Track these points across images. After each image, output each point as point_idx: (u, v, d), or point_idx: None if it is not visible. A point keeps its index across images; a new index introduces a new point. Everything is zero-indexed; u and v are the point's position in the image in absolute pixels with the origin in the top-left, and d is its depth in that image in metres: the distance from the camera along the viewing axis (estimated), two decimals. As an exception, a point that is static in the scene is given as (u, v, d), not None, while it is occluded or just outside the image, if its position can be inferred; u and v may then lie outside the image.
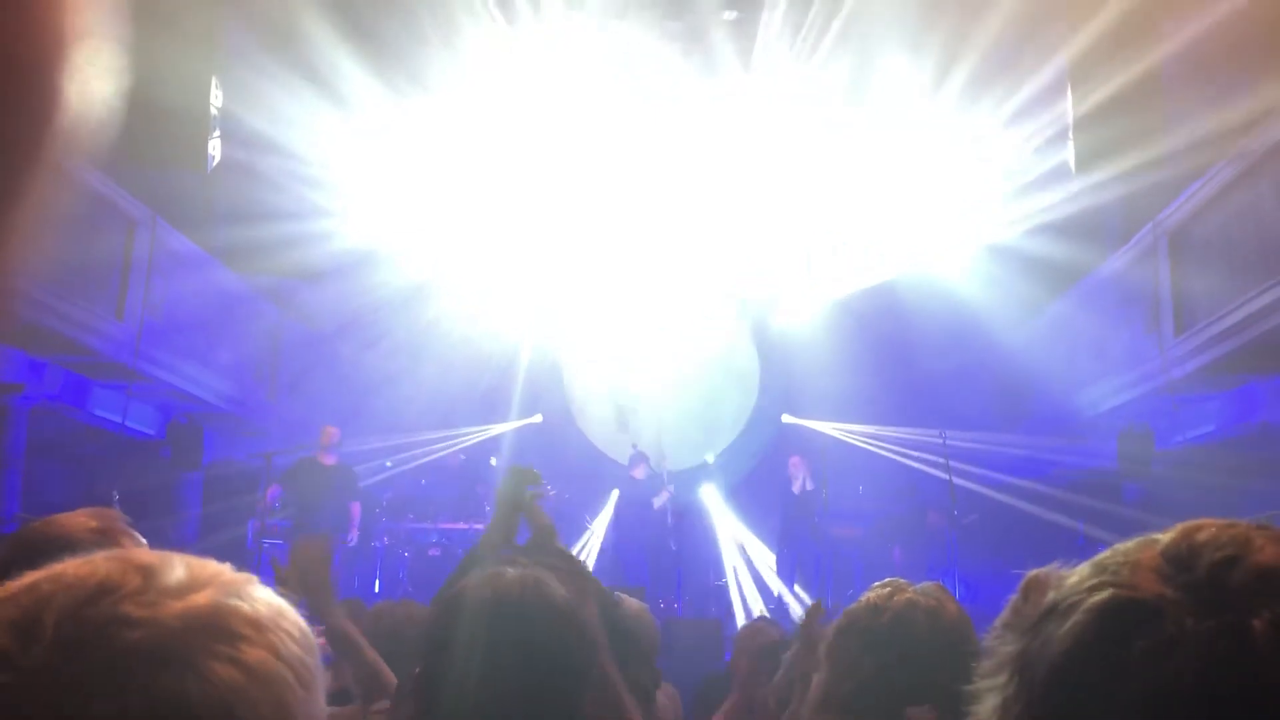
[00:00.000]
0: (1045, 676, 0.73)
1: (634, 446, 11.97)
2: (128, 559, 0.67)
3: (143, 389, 9.29)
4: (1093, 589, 0.73)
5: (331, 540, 9.59)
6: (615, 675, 2.27)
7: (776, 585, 11.52)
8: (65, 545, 1.67)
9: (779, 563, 11.56)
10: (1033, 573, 0.83)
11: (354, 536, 10.25)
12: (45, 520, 1.83)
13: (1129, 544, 0.77)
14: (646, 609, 3.80)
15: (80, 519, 1.82)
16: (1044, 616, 0.76)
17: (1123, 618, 0.71)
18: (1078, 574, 0.76)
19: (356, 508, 10.28)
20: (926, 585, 2.07)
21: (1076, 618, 0.73)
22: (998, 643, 0.80)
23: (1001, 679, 0.77)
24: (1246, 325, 7.53)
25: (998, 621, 0.83)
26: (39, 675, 0.59)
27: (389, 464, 12.07)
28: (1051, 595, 0.77)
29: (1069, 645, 0.72)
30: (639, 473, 11.63)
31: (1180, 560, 0.72)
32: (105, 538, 1.75)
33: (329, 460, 10.16)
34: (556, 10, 9.76)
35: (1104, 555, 0.76)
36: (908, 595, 2.00)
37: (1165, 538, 0.75)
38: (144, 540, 1.82)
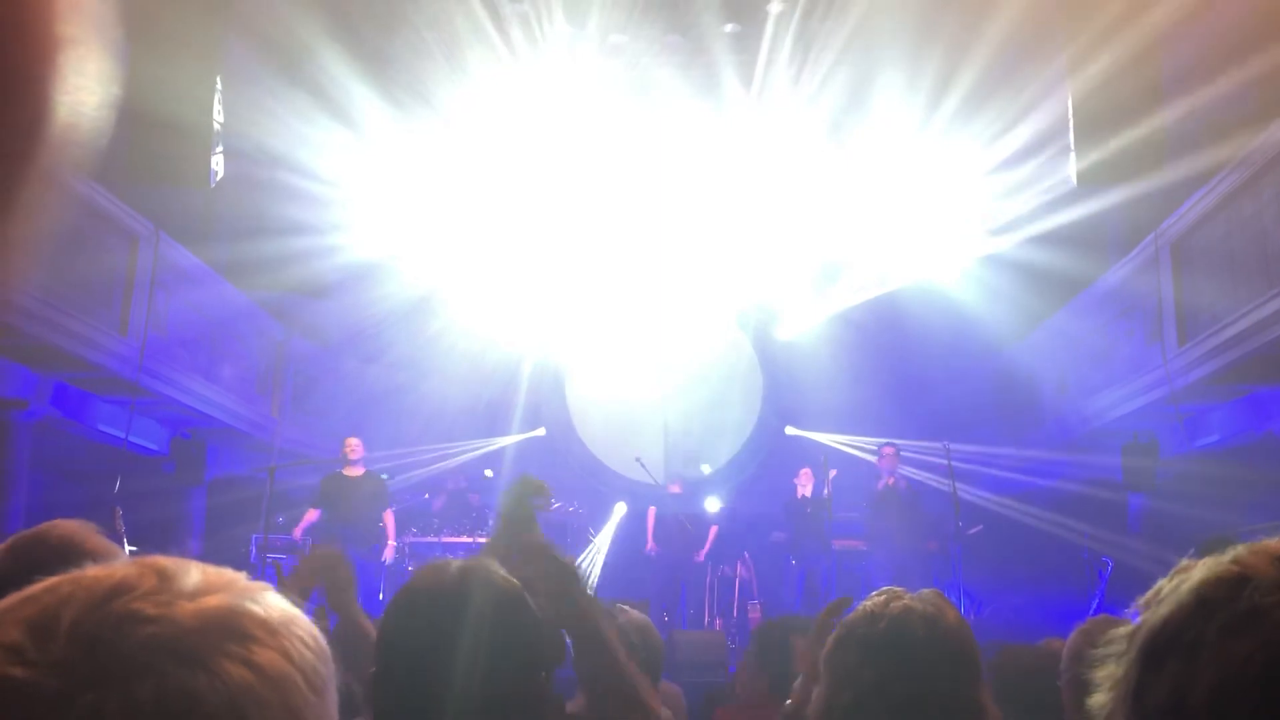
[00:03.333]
0: (1143, 641, 0.74)
1: (638, 460, 11.97)
2: (146, 563, 0.69)
3: (146, 404, 9.30)
4: (1213, 565, 0.73)
5: (364, 553, 9.49)
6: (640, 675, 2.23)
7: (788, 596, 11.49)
8: (52, 555, 1.68)
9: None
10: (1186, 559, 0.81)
11: (390, 551, 9.82)
12: (30, 531, 1.85)
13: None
14: (649, 621, 3.77)
15: (58, 529, 1.84)
16: (1171, 587, 0.76)
17: (1218, 591, 0.71)
18: (1222, 556, 0.76)
19: (390, 516, 9.91)
20: (925, 592, 2.03)
21: (1183, 586, 0.73)
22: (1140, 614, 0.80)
23: (1125, 645, 0.78)
24: (1250, 335, 7.53)
25: (1143, 597, 0.82)
26: (53, 670, 0.60)
27: (426, 495, 12.00)
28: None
29: (1168, 611, 0.73)
30: (676, 488, 11.72)
31: None
32: (83, 545, 1.78)
33: (355, 472, 9.83)
34: (559, 25, 9.80)
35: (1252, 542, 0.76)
36: (904, 602, 1.97)
37: None
38: (124, 546, 1.85)
